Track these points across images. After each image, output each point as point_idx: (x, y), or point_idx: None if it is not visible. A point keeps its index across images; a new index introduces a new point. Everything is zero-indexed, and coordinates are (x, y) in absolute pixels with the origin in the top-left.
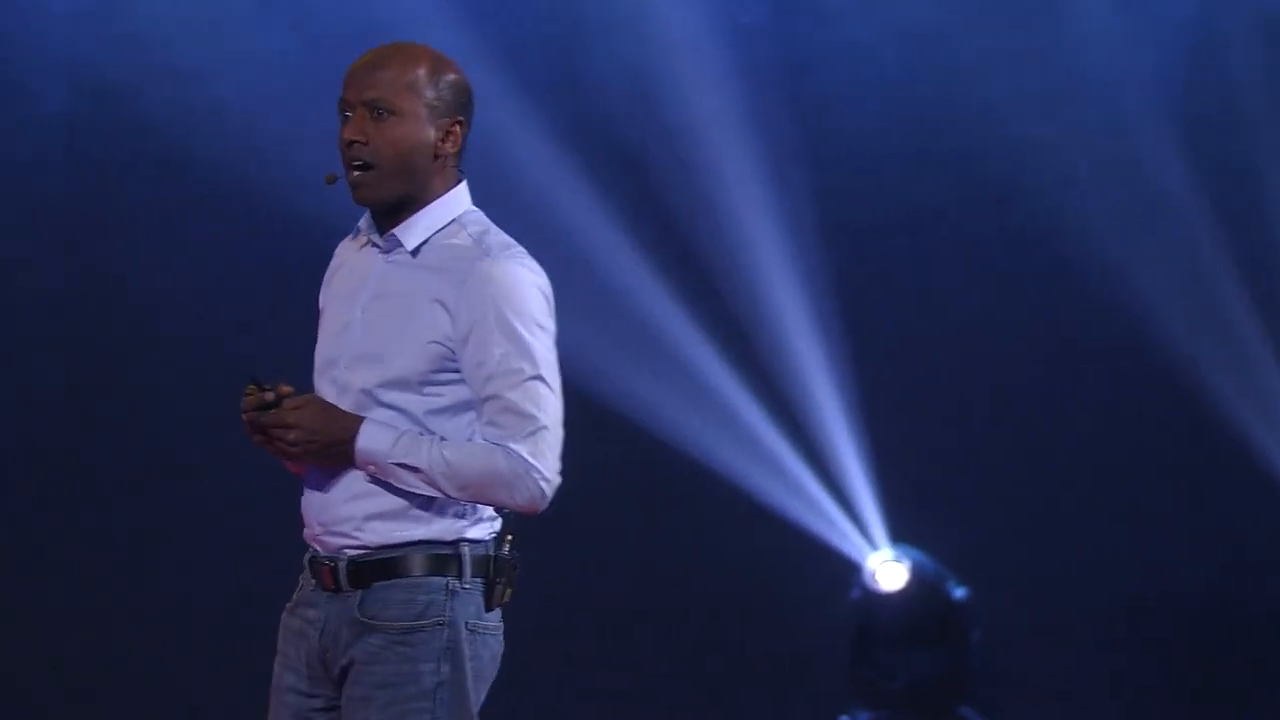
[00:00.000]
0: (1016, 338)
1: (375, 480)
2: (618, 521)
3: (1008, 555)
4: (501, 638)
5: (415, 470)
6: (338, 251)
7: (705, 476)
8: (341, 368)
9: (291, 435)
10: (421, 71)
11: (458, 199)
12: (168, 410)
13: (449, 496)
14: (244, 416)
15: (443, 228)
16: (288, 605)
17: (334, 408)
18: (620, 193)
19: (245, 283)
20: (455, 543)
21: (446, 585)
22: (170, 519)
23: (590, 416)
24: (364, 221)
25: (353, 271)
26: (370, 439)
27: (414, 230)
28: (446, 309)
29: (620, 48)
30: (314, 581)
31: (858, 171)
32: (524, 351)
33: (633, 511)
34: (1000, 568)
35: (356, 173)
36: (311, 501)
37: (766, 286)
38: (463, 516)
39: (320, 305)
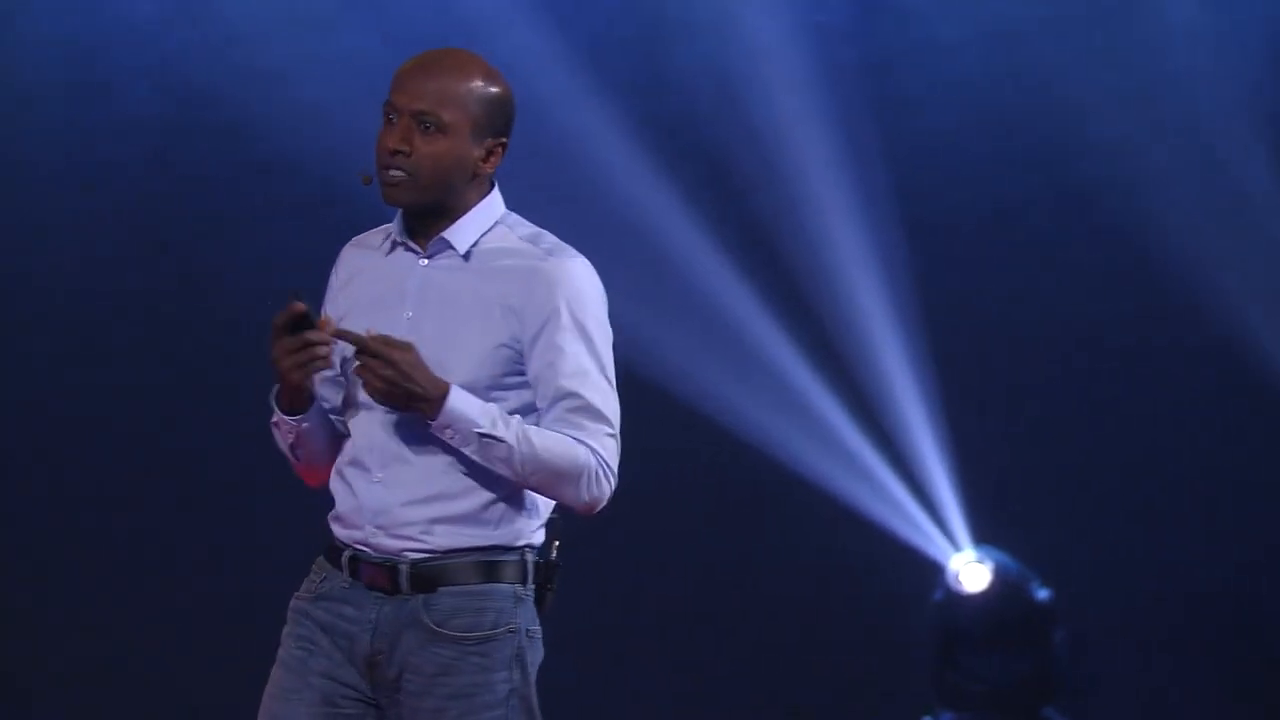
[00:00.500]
0: (1099, 337)
1: (446, 480)
2: (700, 523)
3: (1091, 556)
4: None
5: (499, 443)
6: (346, 258)
7: (788, 478)
8: None
9: (387, 371)
10: (474, 86)
11: (495, 203)
12: (257, 410)
13: (516, 480)
14: (287, 332)
15: (488, 231)
16: (301, 594)
17: (426, 364)
18: (703, 193)
19: (328, 282)
20: (521, 548)
21: (514, 593)
22: (268, 527)
23: (674, 417)
24: (394, 226)
25: (382, 277)
26: (463, 401)
27: (463, 234)
28: (513, 311)
29: (702, 48)
30: (347, 579)
31: (940, 171)
32: (594, 352)
33: (716, 513)
34: (1084, 568)
35: (394, 173)
36: (364, 501)
37: (849, 286)
38: (529, 521)
39: (330, 314)
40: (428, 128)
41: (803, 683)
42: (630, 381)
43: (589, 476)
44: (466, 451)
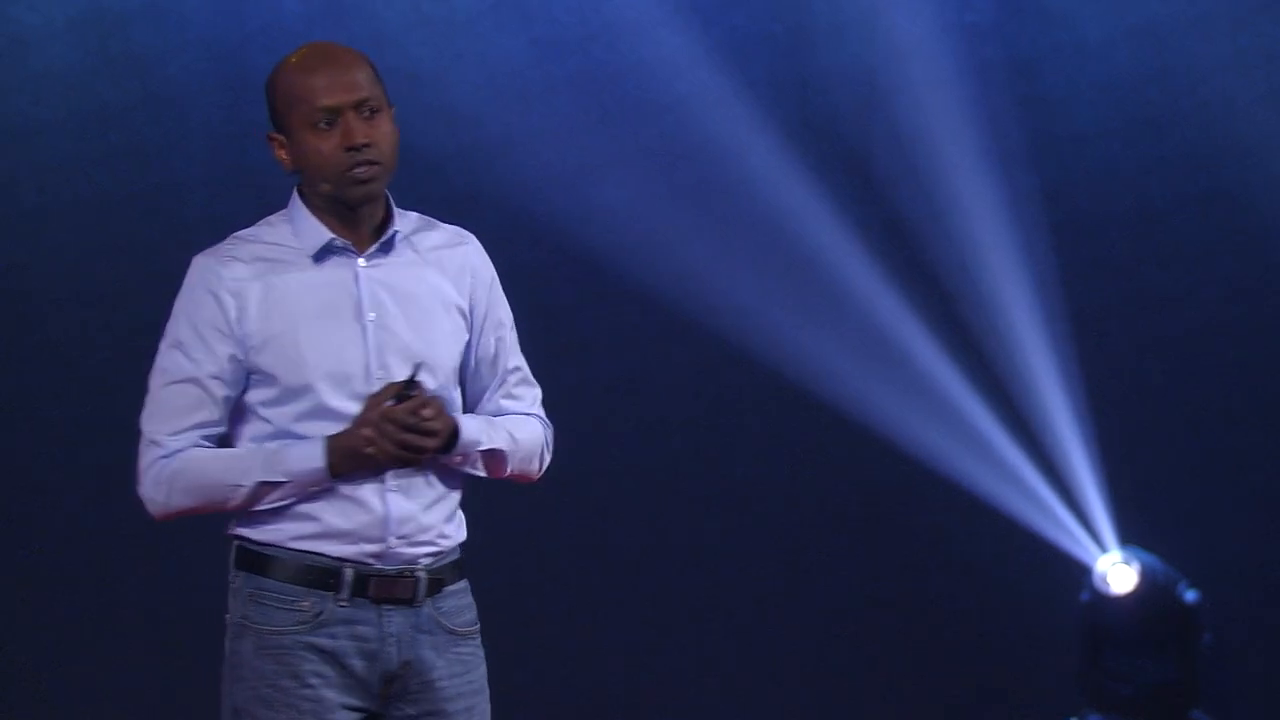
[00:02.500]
0: (1246, 337)
1: (443, 482)
2: (846, 523)
3: (1239, 557)
4: None
5: (497, 453)
6: (234, 274)
7: (933, 478)
8: (367, 380)
9: (433, 442)
10: (367, 63)
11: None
12: None
13: (494, 474)
14: (403, 419)
15: (401, 220)
16: (281, 628)
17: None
18: (847, 194)
19: None
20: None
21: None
22: None
23: (819, 418)
24: (308, 228)
25: (318, 285)
26: (470, 429)
27: (402, 223)
28: (460, 294)
29: (848, 49)
30: (346, 598)
31: (1086, 172)
32: (509, 314)
33: (861, 513)
34: (1232, 570)
35: (366, 169)
36: (388, 512)
37: (994, 287)
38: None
39: (244, 337)
40: (371, 113)
41: (949, 683)
42: (773, 381)
43: (544, 447)
44: (468, 470)
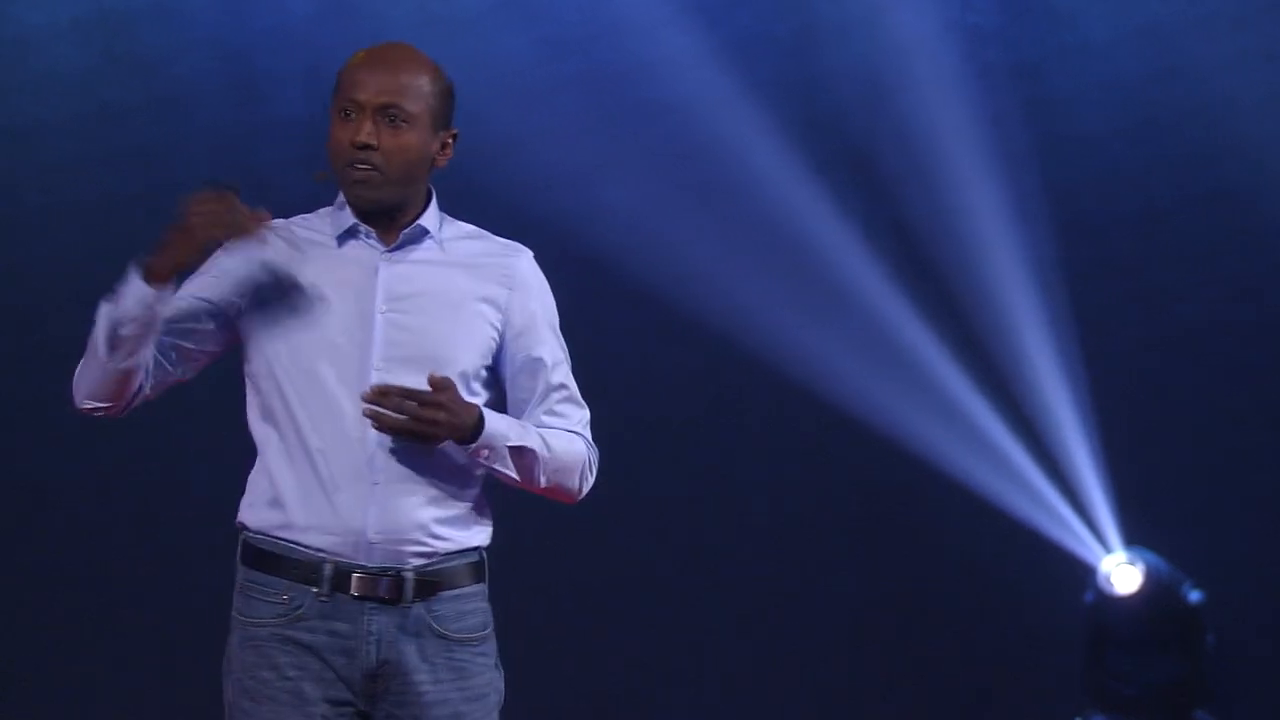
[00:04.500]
0: (1250, 337)
1: (444, 482)
2: (849, 523)
3: (1244, 557)
4: None
5: (527, 453)
6: (280, 235)
7: (937, 478)
8: (375, 369)
9: (442, 415)
10: (430, 78)
11: (433, 199)
12: None
13: (527, 483)
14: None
15: (443, 223)
16: (259, 619)
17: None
18: (852, 194)
19: None
20: (480, 548)
21: (486, 591)
22: None
23: (823, 418)
24: (342, 215)
25: (335, 267)
26: (497, 421)
27: (432, 224)
28: (493, 302)
29: (853, 49)
30: (326, 593)
31: (1090, 172)
32: (563, 345)
33: (864, 513)
34: (1236, 570)
35: (361, 169)
36: (368, 509)
37: (999, 287)
38: (489, 519)
39: (252, 281)
40: (395, 121)
41: (952, 683)
42: (777, 382)
43: (586, 466)
44: (495, 465)
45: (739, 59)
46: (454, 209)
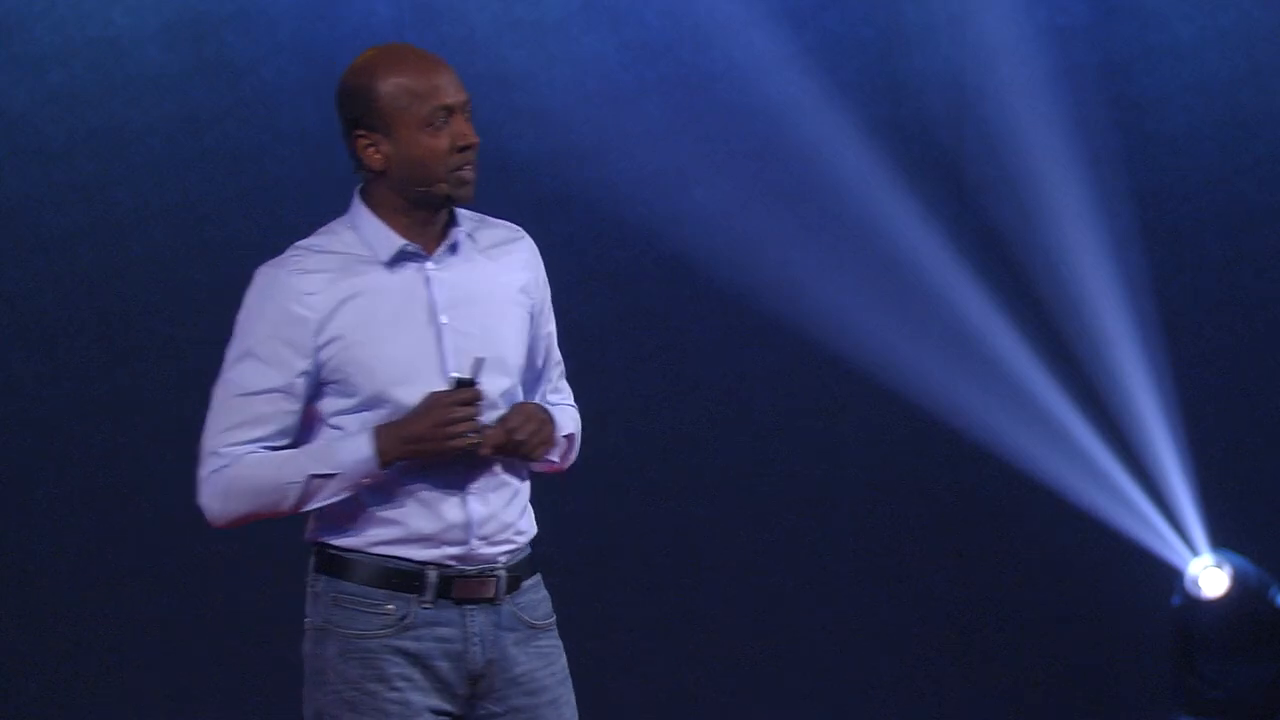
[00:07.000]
0: None
1: (516, 479)
2: (937, 526)
3: None
4: None
5: (573, 438)
6: (314, 284)
7: (1024, 481)
8: (444, 383)
9: (532, 426)
10: None
11: None
12: None
13: (557, 468)
14: (449, 399)
15: (460, 219)
16: (367, 632)
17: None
18: (938, 197)
19: (562, 281)
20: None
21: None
22: None
23: (911, 422)
24: (381, 233)
25: (391, 290)
26: (564, 419)
27: (467, 225)
28: (523, 290)
29: (939, 51)
30: (430, 600)
31: (1179, 174)
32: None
33: (952, 516)
34: None
35: (470, 170)
36: (469, 514)
37: (1086, 290)
38: None
39: (326, 343)
40: (469, 115)
41: (1040, 687)
42: (864, 385)
43: (579, 437)
44: (552, 456)
45: (825, 62)
46: (541, 212)
